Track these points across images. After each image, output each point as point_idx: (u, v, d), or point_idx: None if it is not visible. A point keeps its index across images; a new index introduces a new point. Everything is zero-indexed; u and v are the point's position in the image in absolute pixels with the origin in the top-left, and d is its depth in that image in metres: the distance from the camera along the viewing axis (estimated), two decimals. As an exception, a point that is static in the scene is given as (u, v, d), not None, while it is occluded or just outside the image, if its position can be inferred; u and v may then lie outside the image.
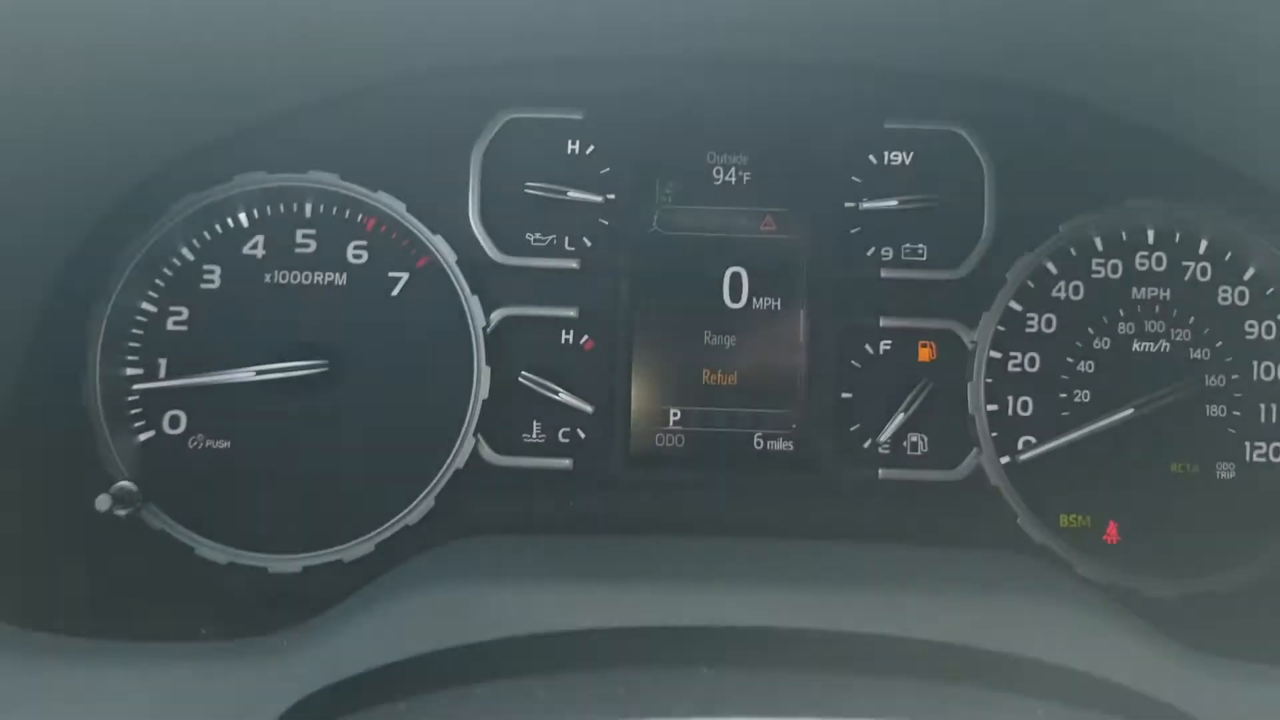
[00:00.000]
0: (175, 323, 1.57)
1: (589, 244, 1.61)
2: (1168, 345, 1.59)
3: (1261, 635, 1.43)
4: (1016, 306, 1.60)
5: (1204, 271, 1.60)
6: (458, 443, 1.56)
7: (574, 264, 1.59)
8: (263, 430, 1.56)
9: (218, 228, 1.59)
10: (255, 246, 1.58)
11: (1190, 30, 1.30)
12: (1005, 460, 1.58)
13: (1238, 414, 1.58)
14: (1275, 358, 1.58)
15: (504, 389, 1.57)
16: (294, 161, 1.57)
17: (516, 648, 1.10)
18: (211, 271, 1.58)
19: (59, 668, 1.10)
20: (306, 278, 1.58)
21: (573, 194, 1.59)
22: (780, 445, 1.60)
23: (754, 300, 1.61)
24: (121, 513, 1.43)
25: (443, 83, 1.58)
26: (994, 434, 1.58)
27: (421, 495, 1.56)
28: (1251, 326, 1.59)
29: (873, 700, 1.03)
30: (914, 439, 1.60)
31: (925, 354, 1.60)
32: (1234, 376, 1.58)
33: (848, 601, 1.14)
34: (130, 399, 1.56)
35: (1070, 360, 1.59)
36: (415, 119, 1.59)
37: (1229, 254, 1.60)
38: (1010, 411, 1.59)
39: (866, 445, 1.59)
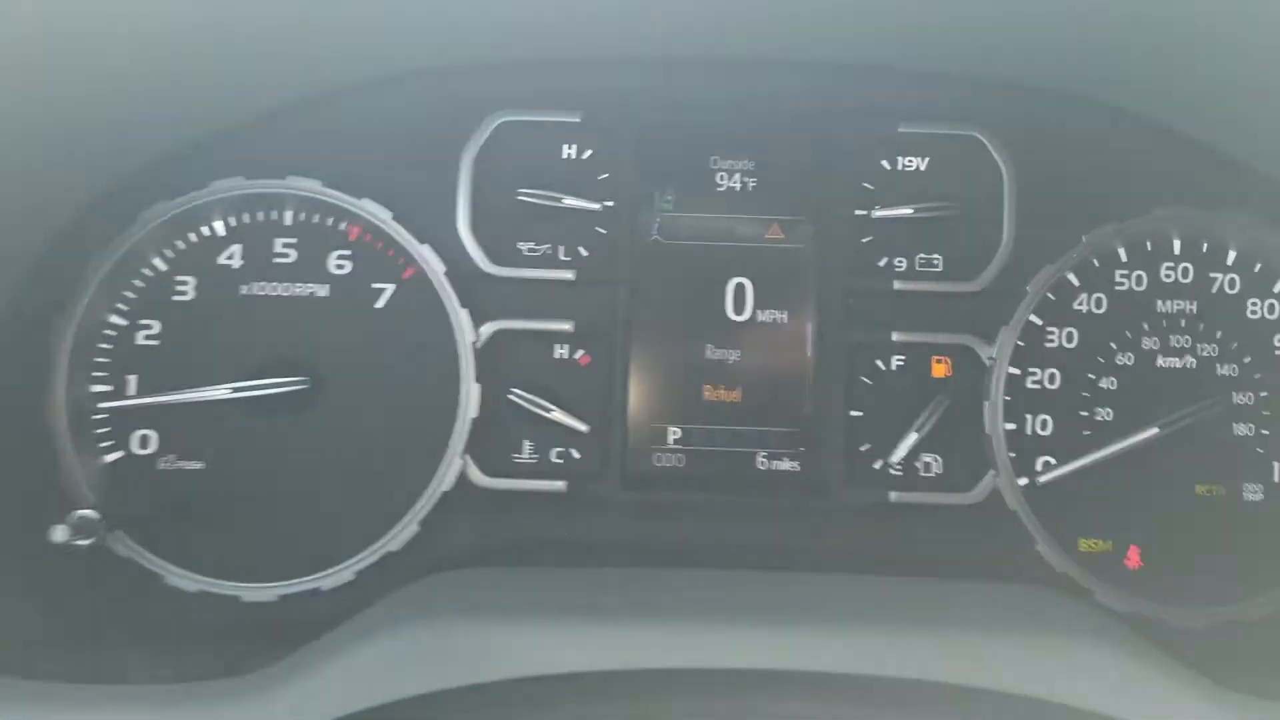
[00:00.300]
0: (146, 337, 1.52)
1: (585, 254, 1.57)
2: (1194, 361, 1.55)
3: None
4: (1036, 320, 1.55)
5: (1232, 283, 1.56)
6: (444, 464, 1.51)
7: (569, 275, 1.56)
8: (238, 451, 1.51)
9: (192, 237, 1.54)
10: (231, 256, 1.54)
11: (1219, 30, 1.27)
12: (1024, 482, 1.54)
13: (1266, 433, 1.54)
14: (1306, 374, 1.55)
15: (494, 407, 1.53)
16: (273, 167, 1.53)
17: (507, 692, 1.07)
18: (185, 283, 1.53)
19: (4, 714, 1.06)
20: (286, 289, 1.53)
21: (568, 201, 1.55)
22: (785, 466, 1.56)
23: (759, 312, 1.57)
24: (83, 543, 1.37)
25: (431, 83, 1.54)
26: (1012, 455, 1.54)
27: (405, 520, 1.51)
28: (1281, 340, 1.56)
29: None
30: (927, 460, 1.56)
31: (940, 370, 1.56)
32: (1263, 394, 1.54)
33: (856, 642, 1.12)
34: (97, 418, 1.51)
35: (1092, 377, 1.55)
36: (402, 122, 1.55)
37: (1259, 265, 1.56)
38: (1029, 431, 1.55)
39: (877, 466, 1.55)
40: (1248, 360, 1.54)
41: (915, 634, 1.14)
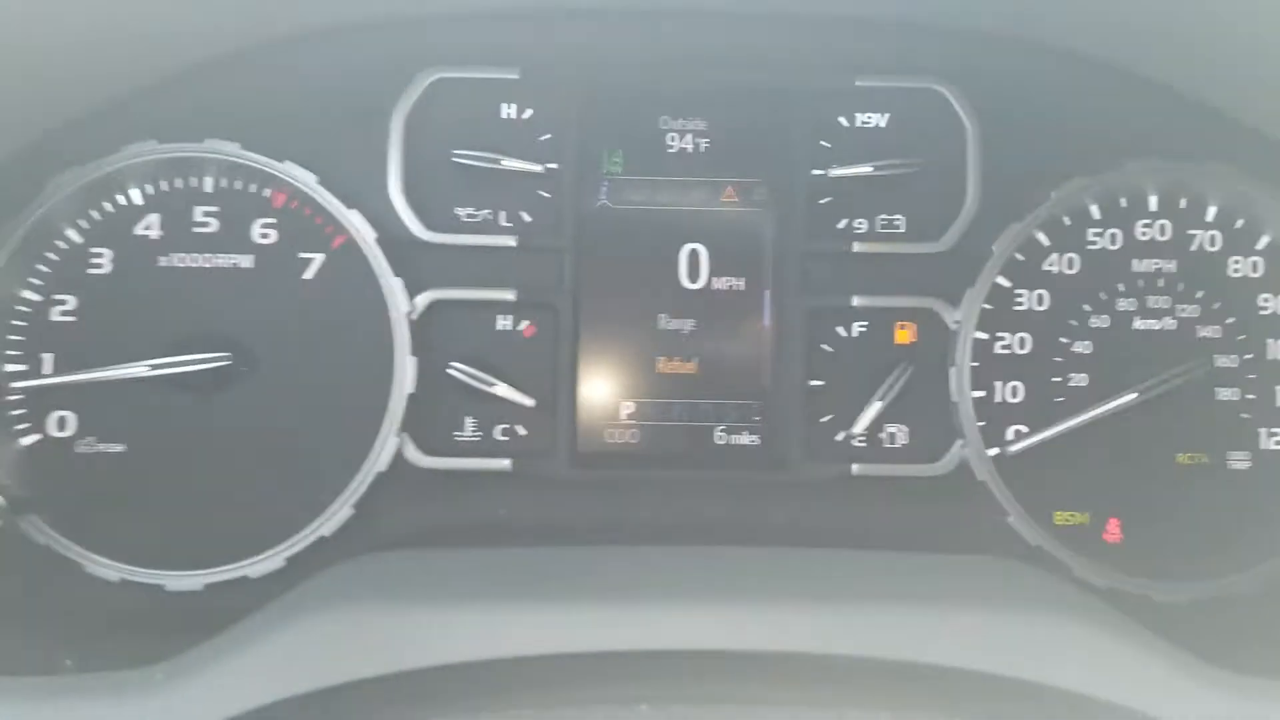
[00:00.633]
0: (61, 313, 1.46)
1: (528, 219, 1.53)
2: (1173, 323, 1.52)
3: (1281, 644, 1.36)
4: (1004, 282, 1.52)
5: (1213, 240, 1.53)
6: (379, 443, 1.46)
7: (511, 241, 1.51)
8: (160, 432, 1.46)
9: (107, 206, 1.48)
10: (149, 227, 1.48)
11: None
12: (993, 452, 1.51)
13: (1252, 397, 1.51)
14: (1293, 335, 1.52)
15: (432, 382, 1.49)
16: (189, 129, 1.47)
17: (435, 679, 1.02)
18: (100, 255, 1.47)
19: None
20: (208, 260, 1.48)
21: (508, 163, 1.50)
22: (744, 440, 1.53)
23: (714, 280, 1.54)
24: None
25: (359, 38, 1.48)
26: (980, 423, 1.51)
27: (338, 503, 1.46)
28: (1266, 301, 1.52)
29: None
30: (891, 430, 1.53)
31: (903, 336, 1.53)
32: (1247, 356, 1.51)
33: (817, 619, 1.08)
34: (11, 399, 1.45)
35: (1065, 341, 1.52)
36: (328, 79, 1.49)
37: (1240, 221, 1.53)
38: (998, 398, 1.51)
39: (839, 438, 1.52)
40: (1230, 321, 1.52)
41: (882, 610, 1.10)
